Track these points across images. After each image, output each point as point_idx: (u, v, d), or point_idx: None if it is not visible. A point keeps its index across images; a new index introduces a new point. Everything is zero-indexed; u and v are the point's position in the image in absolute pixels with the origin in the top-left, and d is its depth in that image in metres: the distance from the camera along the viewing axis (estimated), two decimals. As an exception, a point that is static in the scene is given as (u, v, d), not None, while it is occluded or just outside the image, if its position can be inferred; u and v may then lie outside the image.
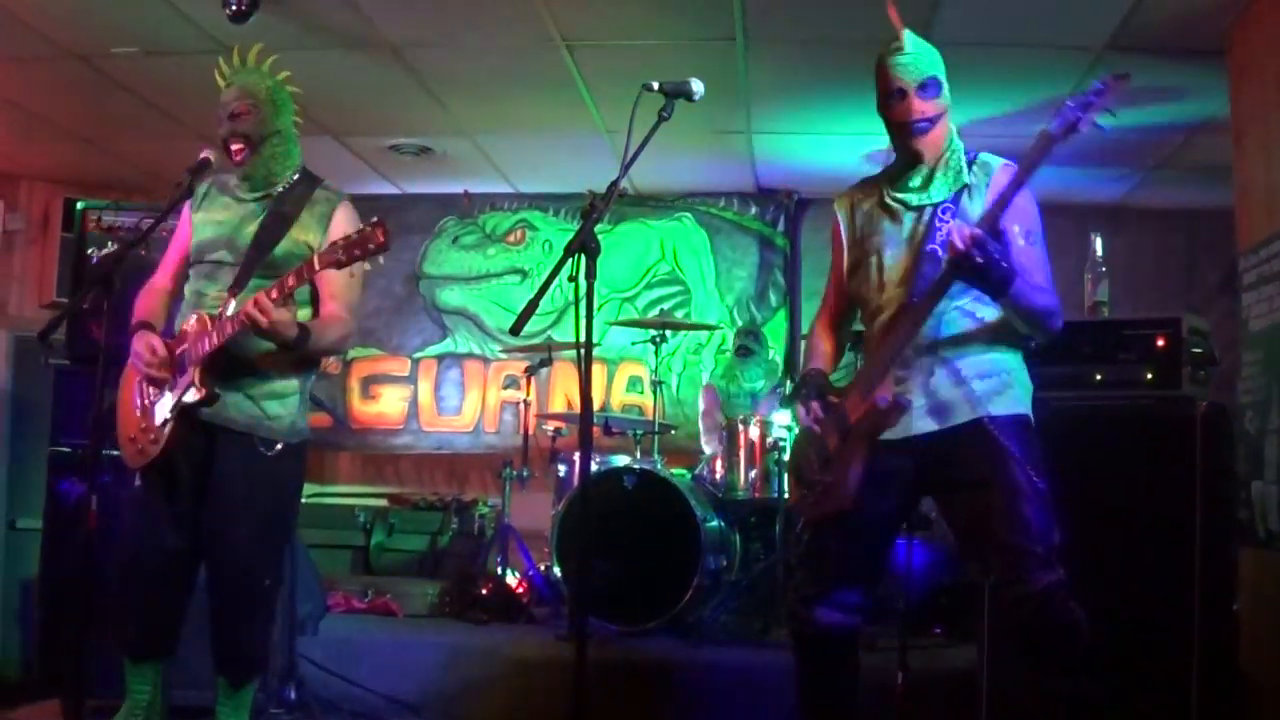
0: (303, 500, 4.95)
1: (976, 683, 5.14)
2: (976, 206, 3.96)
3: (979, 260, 3.66)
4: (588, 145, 8.95)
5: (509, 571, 8.23)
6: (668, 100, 3.84)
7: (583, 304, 3.61)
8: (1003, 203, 3.76)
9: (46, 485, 5.94)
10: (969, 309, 4.00)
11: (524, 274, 10.60)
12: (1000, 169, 4.04)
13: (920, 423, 3.97)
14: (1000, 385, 3.97)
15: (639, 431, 7.95)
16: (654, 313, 9.42)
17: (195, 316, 4.42)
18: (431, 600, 8.06)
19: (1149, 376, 5.10)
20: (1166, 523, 4.88)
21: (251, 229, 4.53)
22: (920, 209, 4.04)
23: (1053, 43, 6.70)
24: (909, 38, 3.99)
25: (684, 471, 7.89)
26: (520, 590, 8.07)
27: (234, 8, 6.18)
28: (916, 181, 4.05)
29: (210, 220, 4.57)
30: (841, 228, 4.26)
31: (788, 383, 8.47)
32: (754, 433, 7.62)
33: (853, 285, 4.22)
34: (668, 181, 10.03)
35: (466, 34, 7.00)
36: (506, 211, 10.70)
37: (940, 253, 3.88)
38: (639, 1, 6.54)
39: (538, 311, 3.69)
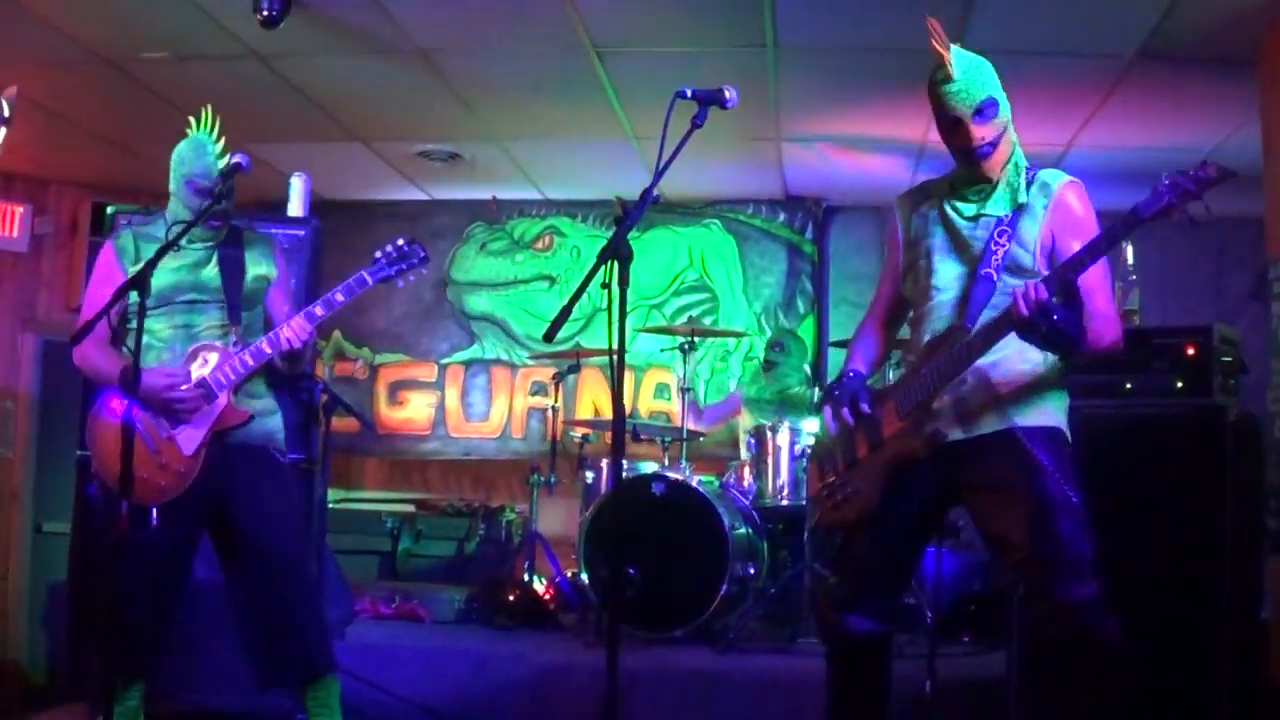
0: (330, 506, 5.02)
1: (1005, 691, 5.13)
2: (1032, 229, 3.87)
3: (1043, 329, 3.63)
4: (616, 152, 8.96)
5: (536, 578, 8.26)
6: (701, 108, 3.79)
7: (615, 310, 3.59)
8: (1075, 266, 3.64)
9: (75, 490, 5.95)
10: None
11: (552, 280, 10.61)
12: (1062, 189, 3.92)
13: (948, 428, 3.93)
14: (1033, 396, 3.89)
15: (667, 438, 7.97)
16: (682, 320, 9.42)
17: (212, 350, 4.62)
18: (458, 606, 8.06)
19: (1179, 385, 5.10)
20: (1196, 531, 4.88)
21: (210, 271, 4.73)
22: (975, 219, 3.95)
23: (1083, 50, 6.68)
24: (956, 59, 3.85)
25: (712, 479, 7.85)
26: (547, 597, 8.07)
27: (265, 13, 6.19)
28: (976, 194, 3.96)
29: (161, 267, 4.49)
30: (899, 227, 4.19)
31: (815, 390, 8.46)
32: (782, 440, 7.61)
33: (905, 286, 4.17)
34: (696, 188, 10.02)
35: (497, 40, 7.01)
36: (535, 218, 10.71)
37: (995, 277, 3.85)
38: (669, 8, 6.54)
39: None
